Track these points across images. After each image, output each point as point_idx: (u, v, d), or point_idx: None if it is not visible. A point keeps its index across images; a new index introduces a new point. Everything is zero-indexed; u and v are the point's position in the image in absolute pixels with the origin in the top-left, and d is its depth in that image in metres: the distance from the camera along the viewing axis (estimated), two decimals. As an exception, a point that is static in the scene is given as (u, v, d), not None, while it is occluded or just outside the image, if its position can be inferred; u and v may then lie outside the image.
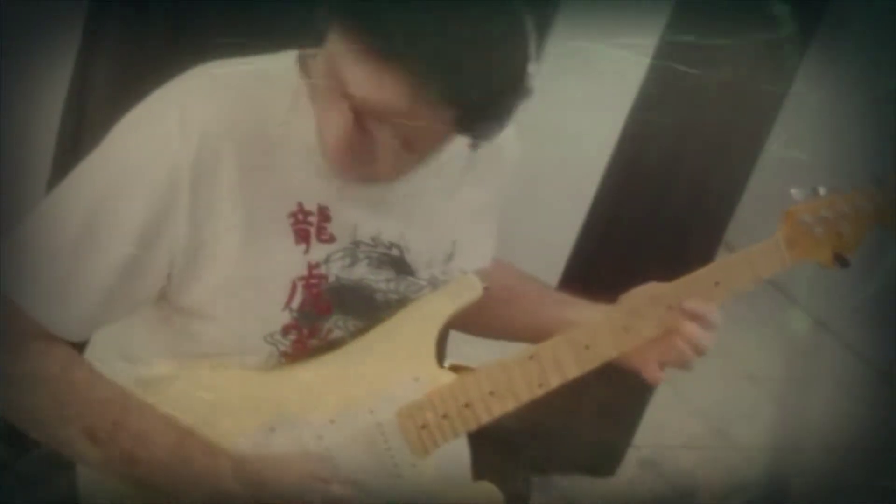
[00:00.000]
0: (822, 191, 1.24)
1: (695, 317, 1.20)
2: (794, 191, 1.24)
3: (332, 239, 1.15)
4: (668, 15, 2.12)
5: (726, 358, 3.51)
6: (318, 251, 1.15)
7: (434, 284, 1.24)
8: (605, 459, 2.66)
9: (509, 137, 1.31)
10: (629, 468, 2.69)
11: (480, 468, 1.35)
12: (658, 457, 2.82)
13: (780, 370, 3.56)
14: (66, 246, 1.08)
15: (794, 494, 2.83)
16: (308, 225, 1.13)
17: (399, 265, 1.20)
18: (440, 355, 1.31)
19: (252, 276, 1.11)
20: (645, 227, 2.31)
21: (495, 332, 1.35)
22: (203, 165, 1.06)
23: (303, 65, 1.14)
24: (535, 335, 1.28)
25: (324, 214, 1.14)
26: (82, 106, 1.52)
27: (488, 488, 1.27)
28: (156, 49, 1.41)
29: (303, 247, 1.13)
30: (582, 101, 2.14)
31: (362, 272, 1.18)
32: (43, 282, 1.09)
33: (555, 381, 1.21)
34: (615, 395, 2.47)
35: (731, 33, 2.17)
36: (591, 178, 2.24)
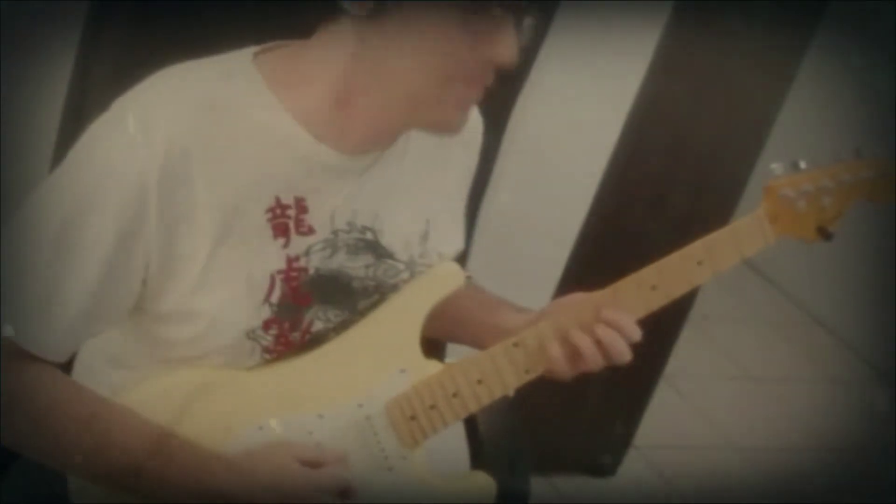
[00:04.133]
0: (802, 164, 1.23)
1: (612, 326, 1.18)
2: (774, 165, 1.23)
3: (311, 231, 1.15)
4: (668, 15, 2.11)
5: (726, 358, 3.51)
6: (298, 244, 1.14)
7: (412, 268, 1.23)
8: (605, 459, 2.65)
9: (475, 118, 1.31)
10: (629, 468, 2.69)
11: (479, 468, 1.35)
12: (658, 457, 2.82)
13: (780, 370, 3.56)
14: (39, 264, 1.07)
15: (795, 494, 2.83)
16: (286, 219, 1.13)
17: (376, 248, 1.20)
18: (440, 352, 1.31)
19: (229, 274, 1.11)
20: (645, 226, 2.31)
21: (433, 334, 1.34)
22: (170, 170, 1.05)
23: (261, 60, 1.13)
24: (467, 339, 1.30)
25: (301, 206, 1.14)
26: (82, 106, 1.52)
27: (482, 478, 1.27)
28: (156, 49, 1.41)
29: (281, 241, 1.13)
30: (582, 100, 2.14)
31: (341, 260, 1.18)
32: (19, 301, 1.08)
33: (542, 367, 1.21)
34: (615, 394, 2.47)
35: (731, 33, 2.18)
36: (591, 177, 2.24)
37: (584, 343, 1.18)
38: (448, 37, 1.06)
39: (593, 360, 1.18)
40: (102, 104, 1.12)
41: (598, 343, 1.18)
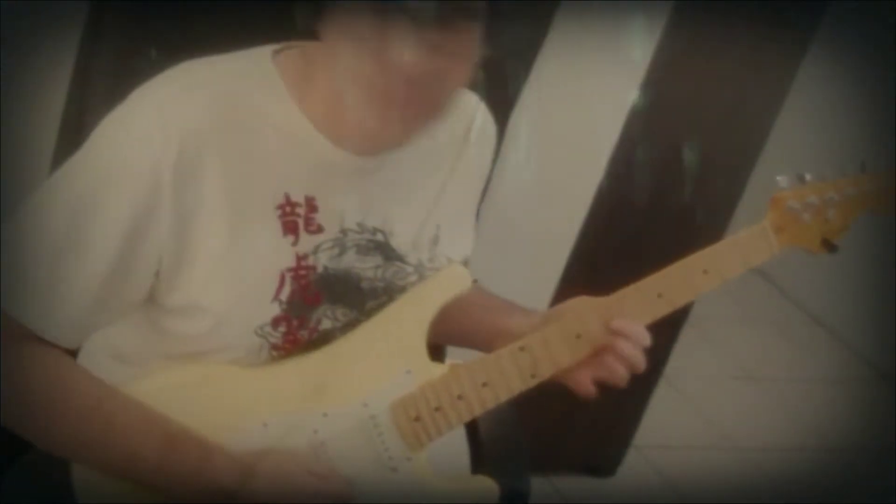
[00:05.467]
0: (808, 177, 1.25)
1: (622, 336, 1.20)
2: (779, 178, 1.25)
3: (320, 229, 1.15)
4: (668, 15, 2.11)
5: (726, 358, 3.51)
6: (307, 242, 1.15)
7: (420, 271, 1.23)
8: (605, 459, 2.66)
9: (488, 123, 1.31)
10: (629, 468, 2.69)
11: (479, 467, 1.35)
12: (658, 457, 2.82)
13: (779, 370, 3.57)
14: (51, 249, 1.08)
15: (795, 494, 2.83)
16: (296, 216, 1.14)
17: (385, 250, 1.21)
18: (439, 355, 1.30)
19: (239, 269, 1.11)
20: (645, 227, 2.31)
21: (441, 338, 1.33)
22: (185, 164, 1.07)
23: (280, 59, 1.15)
24: (475, 343, 1.30)
25: (311, 205, 1.14)
26: (82, 105, 1.52)
27: (485, 482, 1.27)
28: (156, 49, 1.41)
29: (290, 238, 1.14)
30: (582, 100, 2.14)
31: (350, 260, 1.18)
32: (31, 286, 1.09)
33: (547, 371, 1.21)
34: (615, 394, 2.47)
35: (731, 33, 2.18)
36: (591, 177, 2.24)
37: (616, 367, 1.21)
38: (357, 48, 1.03)
39: (621, 379, 1.22)
40: (102, 105, 1.13)
41: (623, 359, 1.20)
